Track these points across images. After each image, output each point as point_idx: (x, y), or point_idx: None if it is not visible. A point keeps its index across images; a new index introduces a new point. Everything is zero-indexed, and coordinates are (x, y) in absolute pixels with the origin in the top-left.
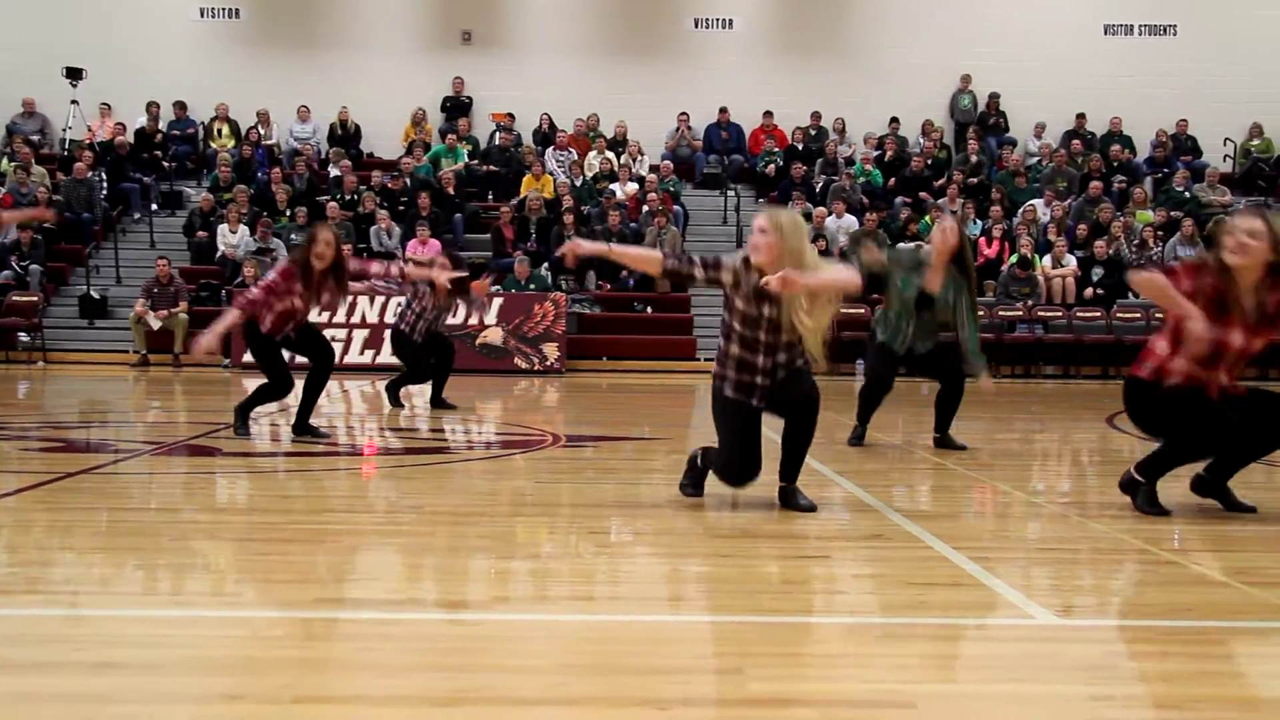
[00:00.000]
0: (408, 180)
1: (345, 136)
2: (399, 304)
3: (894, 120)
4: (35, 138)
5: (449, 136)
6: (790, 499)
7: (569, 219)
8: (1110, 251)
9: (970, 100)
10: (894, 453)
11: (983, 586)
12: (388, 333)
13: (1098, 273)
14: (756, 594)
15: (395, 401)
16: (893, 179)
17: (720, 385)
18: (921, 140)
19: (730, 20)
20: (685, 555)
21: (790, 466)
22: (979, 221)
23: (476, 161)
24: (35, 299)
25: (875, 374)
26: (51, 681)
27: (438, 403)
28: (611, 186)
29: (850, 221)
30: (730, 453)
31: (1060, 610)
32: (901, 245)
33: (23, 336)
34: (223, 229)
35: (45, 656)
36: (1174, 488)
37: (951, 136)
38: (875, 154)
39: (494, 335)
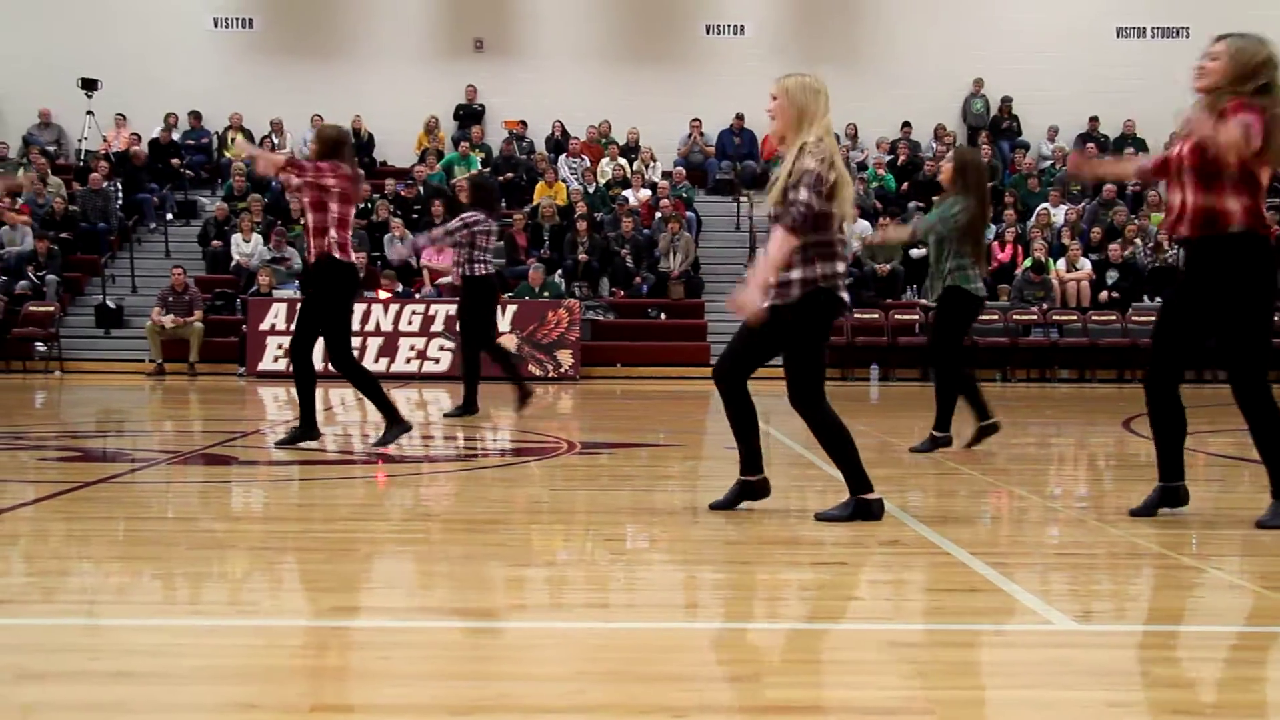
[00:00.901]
0: (421, 188)
1: (359, 145)
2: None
3: (906, 125)
4: (51, 148)
5: (462, 144)
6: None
7: (582, 226)
8: (1125, 255)
9: (982, 104)
10: (909, 457)
11: (1000, 592)
12: (403, 339)
13: (1113, 276)
14: (773, 601)
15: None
16: (906, 183)
17: None
18: (934, 145)
19: (742, 26)
20: (701, 562)
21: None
22: (993, 225)
23: (490, 169)
24: (52, 309)
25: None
26: (68, 690)
27: None
28: (624, 193)
29: (864, 227)
30: None
31: (1079, 616)
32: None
33: (40, 346)
34: (236, 238)
35: (61, 666)
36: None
37: (964, 140)
38: (888, 159)
39: (508, 342)
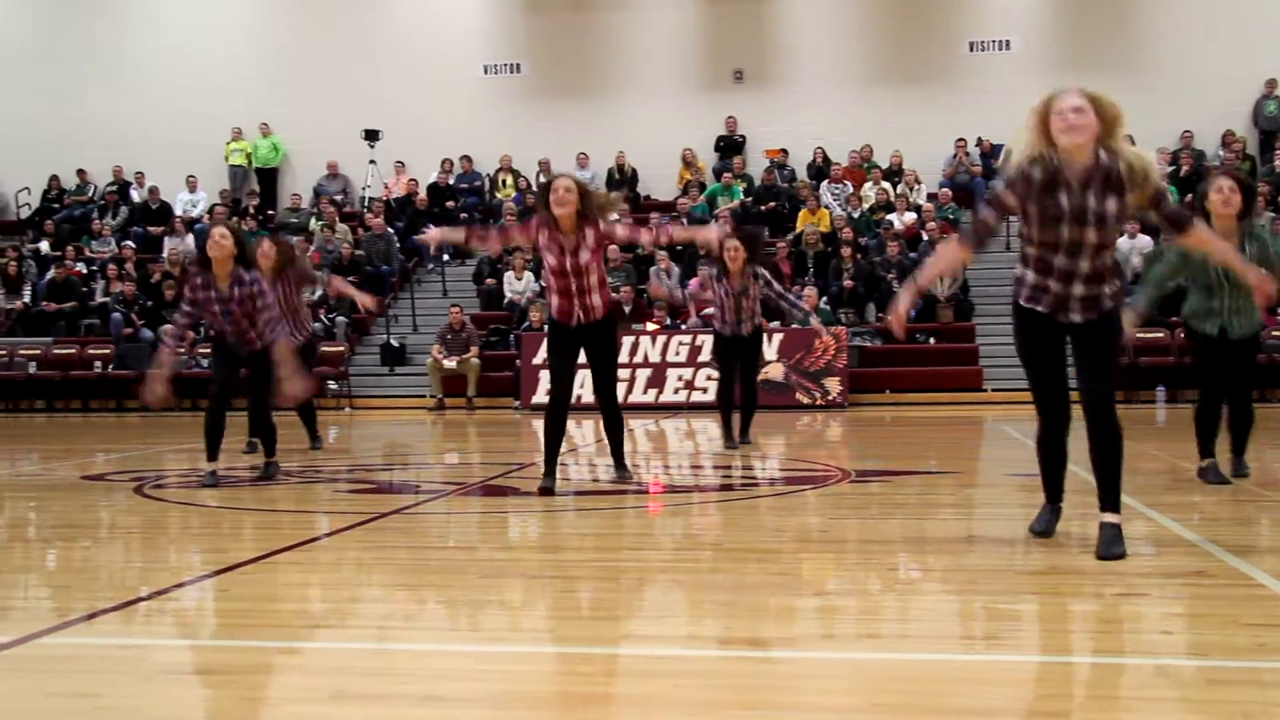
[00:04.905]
0: (685, 220)
1: (623, 180)
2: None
3: (1187, 133)
4: (338, 197)
5: (725, 175)
6: (1100, 537)
7: (846, 252)
8: None
9: (1276, 106)
10: (1200, 483)
11: None
12: (670, 370)
13: None
14: (1071, 633)
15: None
16: (1189, 195)
17: (1016, 293)
18: (1221, 152)
19: (1007, 41)
20: (987, 592)
21: (1100, 486)
22: None
23: (752, 199)
24: (342, 349)
25: (1199, 375)
26: (381, 712)
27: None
28: (889, 217)
29: (1145, 242)
30: (1030, 381)
31: None
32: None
33: (331, 385)
34: (509, 276)
35: (377, 688)
36: None
37: (1256, 146)
38: (1170, 169)
39: (775, 371)
